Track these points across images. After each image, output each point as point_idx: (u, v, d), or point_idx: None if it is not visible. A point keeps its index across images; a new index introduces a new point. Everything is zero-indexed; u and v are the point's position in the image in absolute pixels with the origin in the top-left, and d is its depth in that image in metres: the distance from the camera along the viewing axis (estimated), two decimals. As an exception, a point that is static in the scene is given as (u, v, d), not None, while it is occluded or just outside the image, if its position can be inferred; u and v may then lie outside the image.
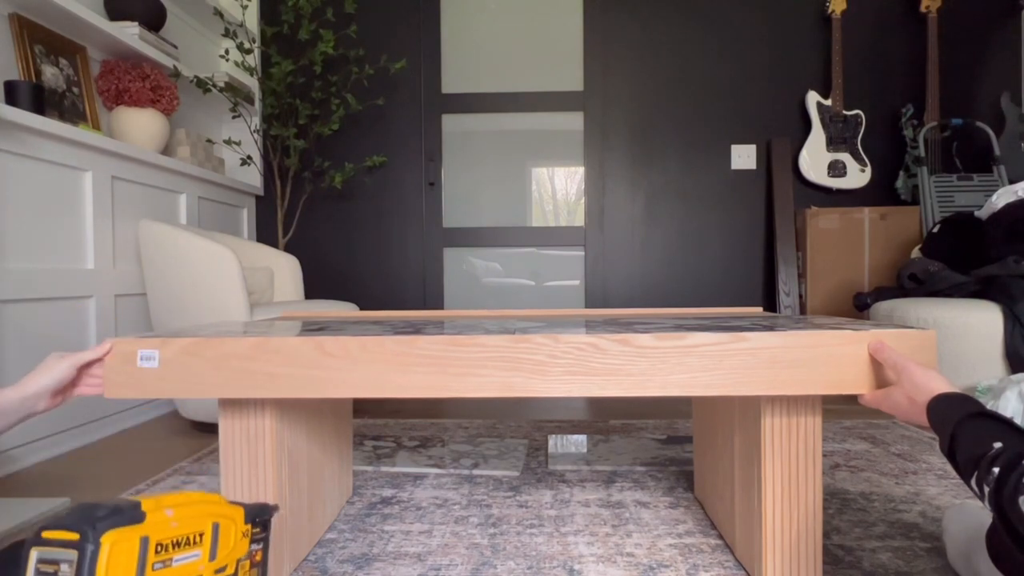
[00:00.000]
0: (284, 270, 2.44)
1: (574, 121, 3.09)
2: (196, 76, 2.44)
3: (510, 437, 1.87)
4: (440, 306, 3.11)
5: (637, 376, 0.86)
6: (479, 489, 1.42)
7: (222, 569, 0.72)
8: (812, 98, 2.94)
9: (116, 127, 2.14)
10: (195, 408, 1.92)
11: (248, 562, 0.77)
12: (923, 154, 2.71)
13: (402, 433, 1.94)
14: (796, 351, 0.85)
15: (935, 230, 2.38)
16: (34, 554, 0.60)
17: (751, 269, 3.05)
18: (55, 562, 0.59)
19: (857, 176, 2.93)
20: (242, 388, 0.87)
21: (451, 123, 3.11)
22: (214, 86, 2.50)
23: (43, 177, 1.76)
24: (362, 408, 2.33)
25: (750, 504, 1.00)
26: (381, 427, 2.03)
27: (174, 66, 2.30)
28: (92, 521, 0.60)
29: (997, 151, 2.72)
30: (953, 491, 1.38)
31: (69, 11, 1.84)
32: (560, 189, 3.13)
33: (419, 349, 0.86)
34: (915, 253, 2.53)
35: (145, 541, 0.63)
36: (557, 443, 1.79)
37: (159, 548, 0.65)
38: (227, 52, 2.71)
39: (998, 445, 0.64)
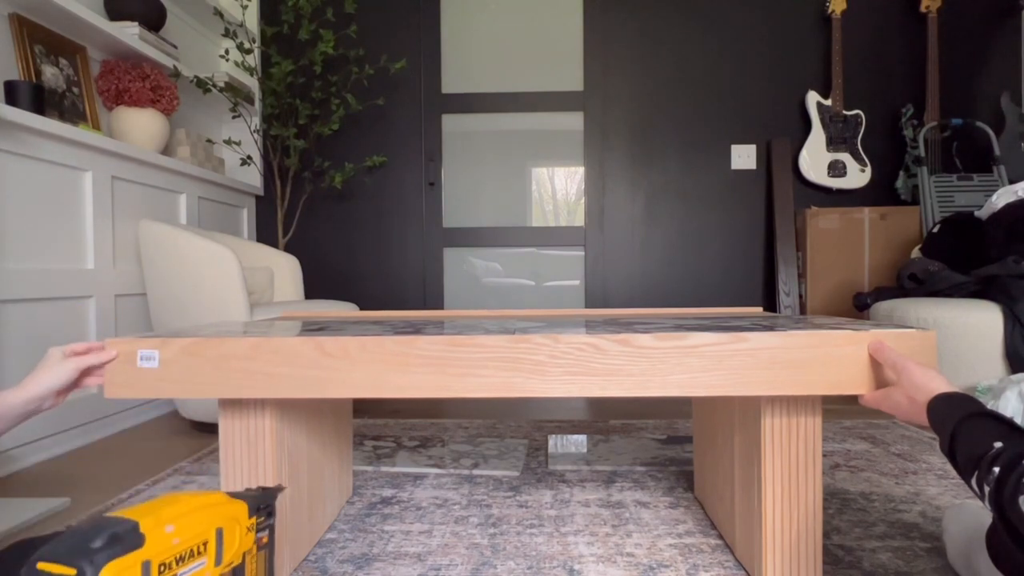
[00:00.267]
0: (284, 270, 2.44)
1: (574, 121, 3.09)
2: (196, 76, 2.44)
3: (510, 437, 1.87)
4: (440, 306, 3.11)
5: (637, 376, 0.86)
6: (479, 489, 1.42)
7: (229, 564, 0.72)
8: (812, 98, 2.94)
9: (116, 127, 2.14)
10: (195, 408, 1.92)
11: (254, 547, 0.76)
12: (923, 154, 2.71)
13: (402, 433, 1.94)
14: (796, 351, 0.85)
15: (935, 230, 2.38)
16: None
17: (751, 269, 3.05)
18: None
19: (857, 176, 2.93)
20: (242, 388, 0.87)
21: (451, 123, 3.11)
22: (214, 86, 2.50)
23: (43, 177, 1.76)
24: (362, 408, 2.33)
25: (750, 504, 1.00)
26: (381, 427, 2.02)
27: (174, 66, 2.30)
28: (89, 554, 0.57)
29: (997, 151, 2.72)
30: (953, 491, 1.38)
31: (69, 11, 1.84)
32: (560, 189, 3.13)
33: (419, 349, 0.86)
34: (915, 253, 2.53)
35: (147, 566, 0.61)
36: (557, 443, 1.79)
37: (162, 568, 0.63)
38: (227, 52, 2.71)
39: (998, 445, 0.64)
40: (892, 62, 3.02)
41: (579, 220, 3.11)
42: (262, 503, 0.77)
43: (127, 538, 0.60)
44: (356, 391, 0.87)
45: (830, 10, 2.93)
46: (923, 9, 2.90)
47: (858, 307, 2.39)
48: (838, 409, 2.22)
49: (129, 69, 2.12)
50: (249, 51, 2.62)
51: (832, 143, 2.93)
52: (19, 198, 1.68)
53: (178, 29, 2.63)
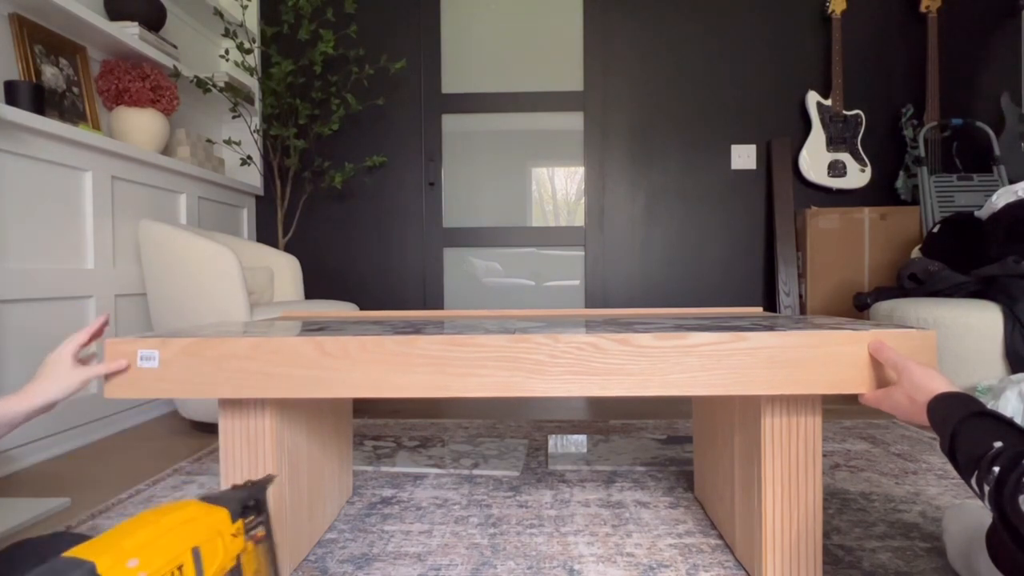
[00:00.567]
0: (284, 270, 2.44)
1: (574, 121, 3.09)
2: (196, 76, 2.44)
3: (510, 437, 1.87)
4: (440, 306, 3.11)
5: (637, 376, 0.86)
6: (479, 489, 1.42)
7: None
8: (812, 98, 2.94)
9: (116, 127, 2.14)
10: (195, 408, 1.92)
11: (250, 544, 0.73)
12: (923, 154, 2.71)
13: (402, 433, 1.94)
14: (796, 351, 0.85)
15: (935, 230, 2.38)
16: None
17: (751, 269, 3.05)
18: None
19: (857, 176, 2.93)
20: (242, 388, 0.87)
21: (451, 123, 3.11)
22: (214, 86, 2.50)
23: (43, 177, 1.76)
24: (362, 408, 2.33)
25: (750, 504, 1.00)
26: (381, 427, 2.02)
27: (174, 66, 2.30)
28: None
29: (997, 151, 2.72)
30: (953, 491, 1.38)
31: (69, 11, 1.84)
32: (560, 189, 3.13)
33: (419, 349, 0.86)
34: (915, 253, 2.53)
35: None
36: (557, 443, 1.79)
37: None
38: (227, 52, 2.71)
39: (999, 444, 0.64)
40: (892, 62, 3.02)
41: (579, 220, 3.11)
42: (249, 501, 0.73)
43: None
44: (356, 391, 0.87)
45: (830, 10, 2.93)
46: (923, 9, 2.90)
47: (858, 307, 2.39)
48: (838, 409, 2.22)
49: (129, 69, 2.12)
50: (249, 51, 2.62)
51: (832, 143, 2.93)
52: (19, 198, 1.68)
53: (178, 29, 2.63)
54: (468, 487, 1.44)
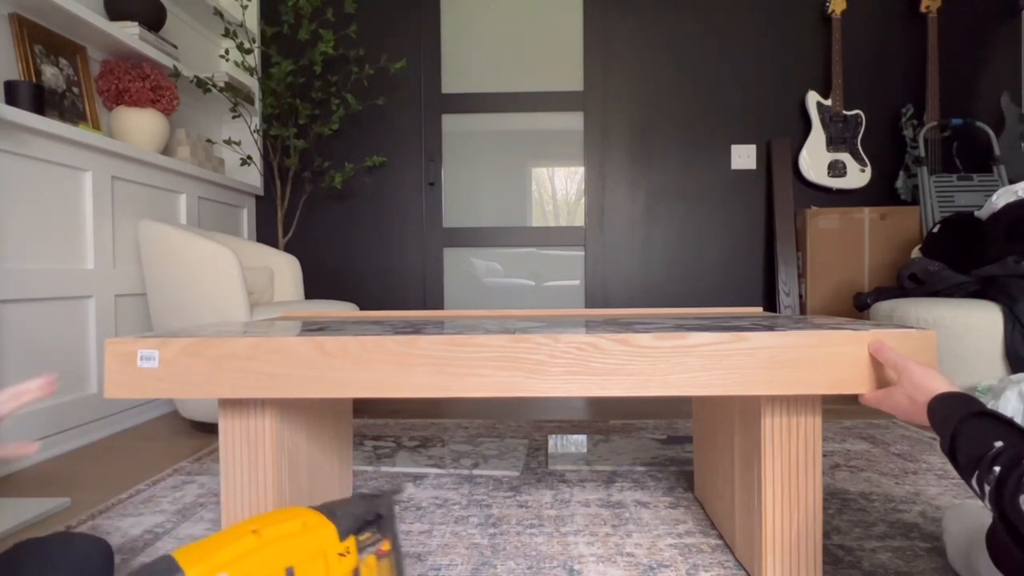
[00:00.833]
0: (284, 270, 2.44)
1: (574, 121, 3.09)
2: (196, 76, 2.44)
3: (510, 437, 1.87)
4: (440, 306, 3.11)
5: (637, 376, 0.86)
6: (479, 489, 1.42)
7: None
8: (812, 98, 2.94)
9: (116, 127, 2.14)
10: (195, 408, 1.92)
11: (372, 558, 0.69)
12: (923, 154, 2.71)
13: (402, 433, 1.94)
14: (796, 351, 0.85)
15: (935, 230, 2.38)
16: None
17: (751, 269, 3.05)
18: None
19: (857, 176, 2.93)
20: (242, 388, 0.87)
21: (451, 123, 3.11)
22: (214, 86, 2.50)
23: (43, 177, 1.76)
24: (362, 408, 2.33)
25: (750, 504, 1.00)
26: (381, 427, 2.02)
27: (174, 66, 2.30)
28: None
29: (997, 151, 2.72)
30: (953, 491, 1.37)
31: (69, 11, 1.84)
32: (560, 189, 3.13)
33: (419, 349, 0.86)
34: (915, 253, 2.53)
35: None
36: (557, 443, 1.79)
37: None
38: (227, 52, 2.71)
39: (999, 444, 0.64)
40: (892, 62, 3.02)
41: (579, 220, 3.10)
42: (369, 515, 0.68)
43: None
44: (356, 391, 0.87)
45: (830, 10, 2.93)
46: (923, 9, 2.90)
47: (858, 307, 2.39)
48: (838, 409, 2.22)
49: (129, 69, 2.12)
50: (249, 51, 2.62)
51: (832, 143, 2.93)
52: (19, 198, 1.68)
53: (178, 29, 2.63)
54: (468, 487, 1.44)
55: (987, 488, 0.63)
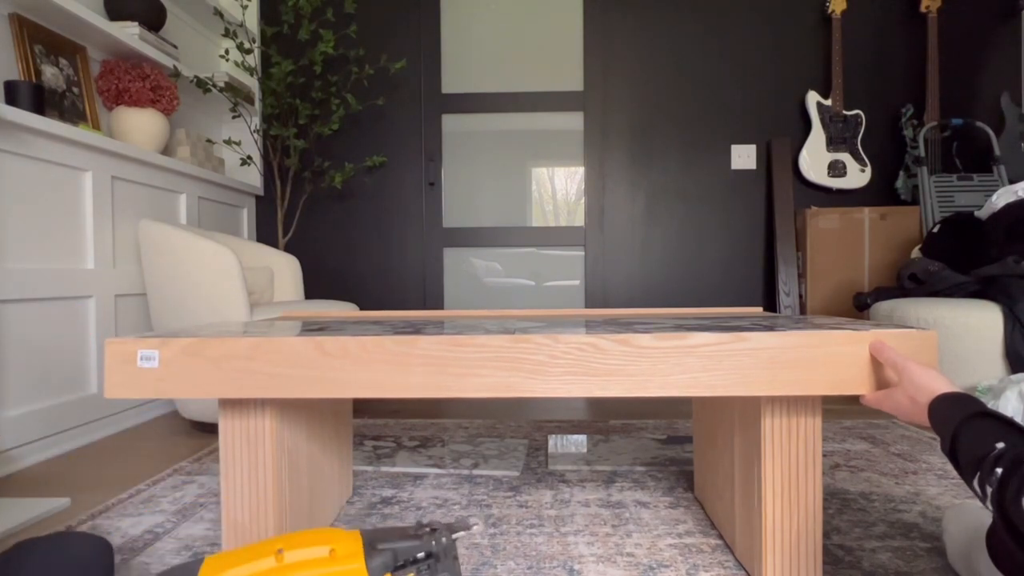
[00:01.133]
0: (284, 270, 2.44)
1: (574, 121, 3.09)
2: (196, 76, 2.44)
3: (510, 437, 1.87)
4: (440, 306, 3.11)
5: (637, 376, 0.86)
6: (479, 489, 1.42)
7: None
8: (812, 98, 2.94)
9: (116, 127, 2.14)
10: (195, 408, 1.92)
11: None
12: (923, 154, 2.71)
13: (402, 433, 1.94)
14: (796, 351, 0.85)
15: (935, 230, 2.38)
16: None
17: (751, 269, 3.05)
18: None
19: (857, 176, 2.93)
20: (242, 388, 0.87)
21: (451, 123, 3.11)
22: (214, 86, 2.50)
23: (43, 177, 1.76)
24: (362, 408, 2.33)
25: (750, 504, 1.00)
26: (381, 427, 2.02)
27: (174, 66, 2.30)
28: None
29: (997, 151, 2.72)
30: (953, 491, 1.37)
31: (69, 11, 1.84)
32: (560, 189, 3.12)
33: (419, 349, 0.86)
34: (915, 253, 2.53)
35: None
36: (557, 443, 1.79)
37: None
38: (227, 52, 2.71)
39: (1001, 445, 0.64)
40: (892, 62, 3.02)
41: (579, 220, 3.10)
42: (416, 553, 0.62)
43: None
44: (356, 391, 0.87)
45: (830, 10, 2.93)
46: (923, 9, 2.90)
47: (858, 307, 2.39)
48: (838, 409, 2.22)
49: (129, 69, 2.12)
50: (249, 51, 2.62)
51: (832, 143, 2.93)
52: (19, 198, 1.68)
53: (178, 29, 2.63)
54: (468, 487, 1.43)
55: (989, 490, 0.63)
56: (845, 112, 2.92)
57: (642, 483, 1.45)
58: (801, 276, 2.88)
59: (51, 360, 1.77)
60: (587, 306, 3.08)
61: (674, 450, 1.71)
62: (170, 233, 1.88)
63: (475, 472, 1.53)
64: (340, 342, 0.86)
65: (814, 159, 2.94)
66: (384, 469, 1.57)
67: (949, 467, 1.54)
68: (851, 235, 2.79)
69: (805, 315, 2.25)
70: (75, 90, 1.99)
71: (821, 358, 0.85)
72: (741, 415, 1.04)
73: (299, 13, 2.75)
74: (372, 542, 0.65)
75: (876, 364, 0.85)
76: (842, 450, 1.70)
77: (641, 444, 1.77)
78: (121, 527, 1.22)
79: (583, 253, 3.09)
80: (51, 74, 1.90)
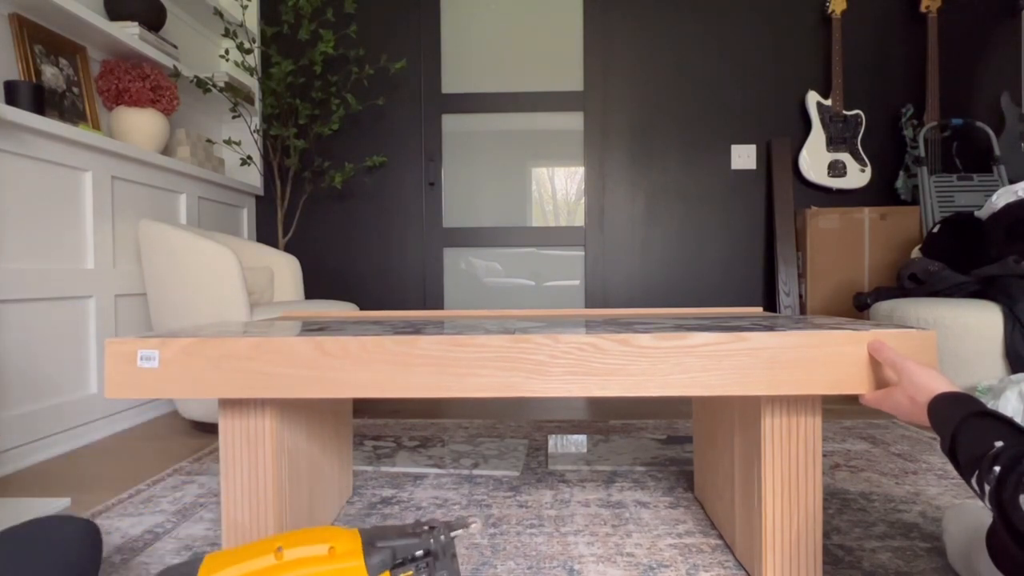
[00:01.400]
0: (284, 270, 2.44)
1: (574, 121, 3.09)
2: (196, 76, 2.44)
3: (510, 437, 1.87)
4: (440, 306, 3.11)
5: (637, 376, 0.86)
6: (479, 489, 1.42)
7: None
8: (812, 98, 2.94)
9: (116, 127, 2.14)
10: (195, 408, 1.92)
11: None
12: (923, 154, 2.71)
13: (402, 433, 1.94)
14: (796, 351, 0.85)
15: (935, 230, 2.38)
16: None
17: (751, 269, 3.05)
18: None
19: (857, 176, 2.93)
20: (242, 388, 0.87)
21: (451, 123, 3.11)
22: (214, 86, 2.50)
23: (43, 177, 1.76)
24: (362, 408, 2.33)
25: (750, 504, 1.00)
26: (381, 427, 2.02)
27: (174, 66, 2.30)
28: None
29: (997, 151, 2.72)
30: (953, 491, 1.37)
31: (69, 11, 1.84)
32: (560, 189, 3.12)
33: (419, 349, 0.86)
34: (915, 253, 2.53)
35: None
36: (557, 443, 1.79)
37: None
38: (227, 52, 2.71)
39: (999, 444, 0.64)
40: (892, 62, 3.02)
41: (579, 220, 3.10)
42: (415, 551, 0.63)
43: None
44: (356, 391, 0.87)
45: (830, 10, 2.93)
46: (923, 9, 2.90)
47: (858, 307, 2.39)
48: (838, 409, 2.22)
49: (129, 69, 2.12)
50: (249, 51, 2.62)
51: (832, 143, 2.93)
52: (19, 198, 1.68)
53: (178, 29, 2.63)
54: (468, 487, 1.44)
55: (987, 488, 0.63)
56: (845, 112, 2.92)
57: (642, 483, 1.45)
58: (801, 276, 2.88)
59: (51, 360, 1.77)
60: (587, 306, 3.08)
61: (674, 450, 1.71)
62: (170, 233, 1.88)
63: (475, 472, 1.54)
64: (340, 342, 0.86)
65: (814, 159, 2.94)
66: (384, 469, 1.57)
67: (949, 467, 1.54)
68: (851, 235, 2.79)
69: (805, 315, 2.25)
70: (75, 90, 1.99)
71: (821, 358, 0.85)
72: (741, 415, 1.04)
73: (299, 13, 2.75)
74: (371, 540, 0.66)
75: (875, 364, 0.85)
76: (842, 450, 1.70)
77: (641, 444, 1.77)
78: (121, 527, 1.22)
79: (583, 253, 3.09)
80: (51, 74, 1.90)
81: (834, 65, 2.91)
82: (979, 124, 2.74)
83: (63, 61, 1.95)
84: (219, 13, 2.63)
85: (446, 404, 2.39)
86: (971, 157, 2.91)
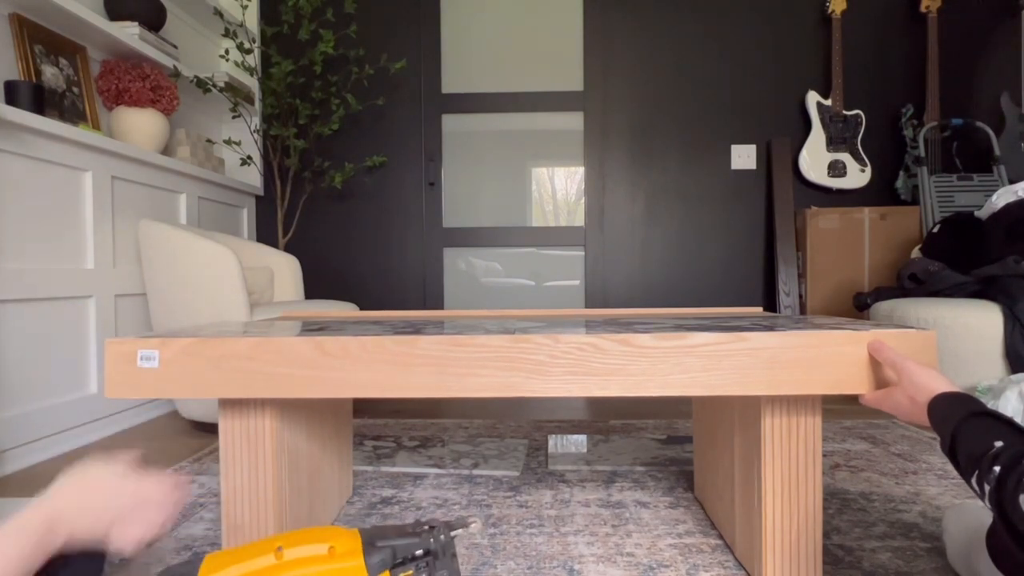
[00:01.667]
0: (284, 270, 2.44)
1: (574, 121, 3.09)
2: (196, 76, 2.44)
3: (510, 437, 1.87)
4: (440, 306, 3.11)
5: (637, 376, 0.86)
6: (479, 489, 1.42)
7: None
8: (812, 98, 2.94)
9: (116, 127, 2.14)
10: (195, 408, 1.92)
11: None
12: (923, 154, 2.71)
13: (402, 433, 1.94)
14: (796, 351, 0.85)
15: (935, 230, 2.38)
16: None
17: (751, 269, 3.05)
18: None
19: (857, 176, 2.93)
20: (242, 388, 0.87)
21: (451, 123, 3.11)
22: (214, 86, 2.50)
23: (43, 177, 1.76)
24: (362, 408, 2.33)
25: (750, 504, 1.00)
26: (381, 427, 2.02)
27: (174, 66, 2.30)
28: None
29: (997, 151, 2.72)
30: (953, 491, 1.37)
31: (69, 11, 1.84)
32: (560, 189, 3.12)
33: (419, 349, 0.86)
34: (915, 253, 2.53)
35: None
36: (557, 443, 1.79)
37: None
38: (227, 52, 2.71)
39: (999, 444, 0.64)
40: (892, 62, 3.02)
41: (579, 220, 3.10)
42: (415, 551, 0.63)
43: None
44: (356, 391, 0.87)
45: (830, 10, 2.93)
46: (923, 9, 2.90)
47: (858, 307, 2.39)
48: (838, 409, 2.22)
49: (129, 69, 2.12)
50: (249, 51, 2.62)
51: (832, 143, 2.93)
52: (19, 198, 1.68)
53: (178, 29, 2.63)
54: (468, 487, 1.44)
55: (987, 488, 0.63)
56: (845, 112, 2.92)
57: (642, 483, 1.45)
58: (801, 276, 2.88)
59: (51, 360, 1.77)
60: (587, 306, 3.08)
61: (674, 450, 1.71)
62: (170, 233, 1.88)
63: (475, 472, 1.54)
64: (340, 342, 0.86)
65: (814, 159, 2.94)
66: (384, 469, 1.57)
67: (949, 467, 1.54)
68: (851, 235, 2.79)
69: (805, 315, 2.25)
70: (75, 90, 1.99)
71: (821, 358, 0.85)
72: (741, 415, 1.04)
73: (299, 13, 2.75)
74: (371, 540, 0.66)
75: (875, 364, 0.85)
76: (842, 450, 1.70)
77: (641, 444, 1.77)
78: (121, 527, 1.22)
79: (583, 253, 3.09)
80: (51, 74, 1.90)
81: (834, 65, 2.91)
82: (979, 124, 2.74)
83: (63, 61, 1.95)
84: (219, 13, 2.63)
85: (446, 404, 2.39)
86: (971, 157, 2.91)
